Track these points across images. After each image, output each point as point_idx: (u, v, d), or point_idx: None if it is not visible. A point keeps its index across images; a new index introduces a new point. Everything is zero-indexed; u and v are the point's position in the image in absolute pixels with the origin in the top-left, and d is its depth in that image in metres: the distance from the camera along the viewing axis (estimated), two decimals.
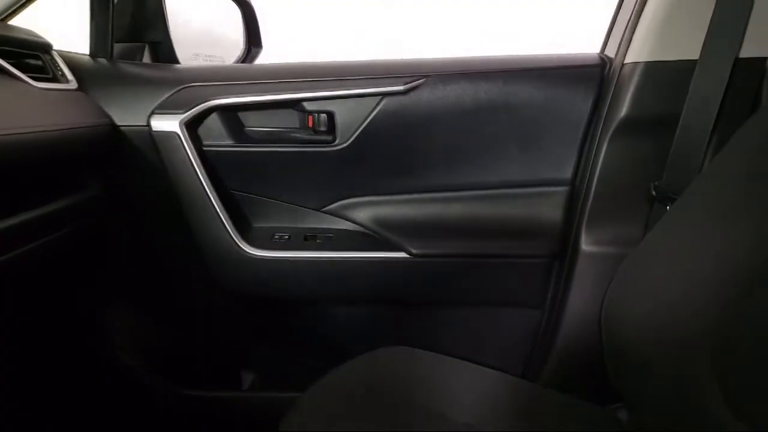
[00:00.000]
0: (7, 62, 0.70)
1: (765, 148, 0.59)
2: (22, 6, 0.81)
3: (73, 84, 0.81)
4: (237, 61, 1.12)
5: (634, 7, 0.89)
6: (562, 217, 0.89)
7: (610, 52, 0.92)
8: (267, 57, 1.14)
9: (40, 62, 0.77)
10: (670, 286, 0.60)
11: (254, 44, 1.13)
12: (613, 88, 0.86)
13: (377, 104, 0.86)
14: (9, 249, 0.63)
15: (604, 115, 0.87)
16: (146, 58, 0.97)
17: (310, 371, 0.74)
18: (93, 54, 0.90)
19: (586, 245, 0.86)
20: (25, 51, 0.75)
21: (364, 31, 2.16)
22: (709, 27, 0.79)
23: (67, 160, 0.74)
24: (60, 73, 0.80)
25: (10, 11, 0.81)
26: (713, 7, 0.79)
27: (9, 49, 0.72)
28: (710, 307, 0.53)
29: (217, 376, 1.03)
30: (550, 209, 0.89)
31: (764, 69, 0.78)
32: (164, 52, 0.97)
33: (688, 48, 0.81)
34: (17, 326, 0.86)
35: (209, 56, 1.08)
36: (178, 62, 0.97)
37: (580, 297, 0.86)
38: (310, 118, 0.87)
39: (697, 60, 0.79)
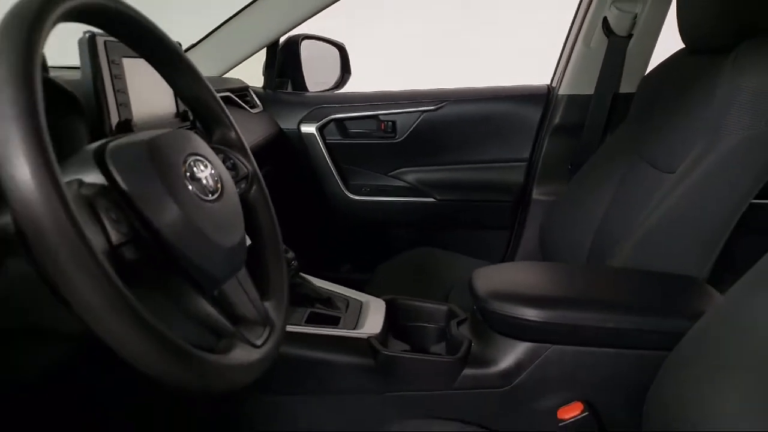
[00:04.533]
0: (238, 99, 1.44)
1: (619, 145, 1.24)
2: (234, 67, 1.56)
3: (260, 108, 1.55)
4: (336, 83, 1.82)
5: (564, 55, 1.55)
6: (522, 180, 1.58)
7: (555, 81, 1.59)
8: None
9: (248, 97, 1.51)
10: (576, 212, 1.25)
11: (346, 72, 1.84)
12: (552, 107, 1.54)
13: (419, 117, 1.57)
14: None
15: (546, 122, 1.55)
16: (289, 87, 1.70)
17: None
18: (265, 87, 1.64)
19: (535, 195, 1.55)
20: (240, 92, 1.50)
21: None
22: (600, 73, 1.45)
23: (267, 151, 1.48)
24: (255, 102, 1.54)
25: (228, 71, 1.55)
26: (602, 61, 1.45)
27: (233, 92, 1.46)
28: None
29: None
30: (515, 176, 1.58)
31: (631, 98, 1.42)
32: (299, 83, 1.70)
33: (589, 87, 1.47)
34: None
35: (322, 81, 1.80)
36: (307, 89, 1.70)
37: (532, 224, 1.56)
38: (383, 124, 1.59)
39: (591, 94, 1.46)
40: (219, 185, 0.54)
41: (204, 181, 0.53)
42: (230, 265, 0.55)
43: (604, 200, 1.18)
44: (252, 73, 1.64)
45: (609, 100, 1.45)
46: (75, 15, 0.46)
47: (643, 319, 0.81)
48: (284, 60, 1.67)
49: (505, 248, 1.62)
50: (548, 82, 1.60)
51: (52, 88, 0.69)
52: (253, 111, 1.48)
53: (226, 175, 0.57)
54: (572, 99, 1.50)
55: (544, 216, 1.46)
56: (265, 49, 1.56)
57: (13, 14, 0.41)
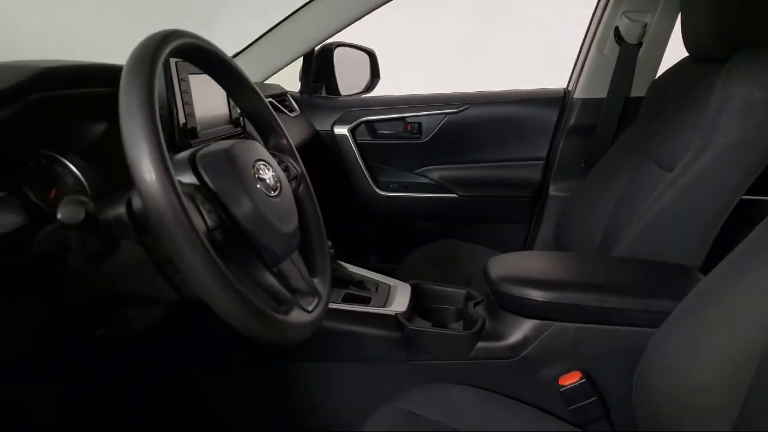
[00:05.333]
0: (279, 104, 1.59)
1: (629, 145, 1.35)
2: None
3: (297, 111, 1.70)
4: (366, 86, 1.96)
5: (579, 61, 1.66)
6: (540, 178, 1.70)
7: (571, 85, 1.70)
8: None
9: (287, 102, 1.66)
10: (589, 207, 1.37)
11: (375, 76, 1.97)
12: (567, 109, 1.65)
13: (444, 118, 1.70)
14: None
15: (562, 123, 1.66)
16: (323, 91, 1.85)
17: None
18: (301, 92, 1.79)
19: (551, 192, 1.67)
20: (280, 97, 1.65)
21: None
22: (612, 78, 1.56)
23: (305, 151, 1.63)
24: (293, 106, 1.69)
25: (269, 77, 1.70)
26: (614, 67, 1.55)
27: (274, 97, 1.61)
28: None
29: None
30: (532, 174, 1.70)
31: (641, 102, 1.52)
32: (332, 87, 1.84)
33: (601, 91, 1.58)
34: None
35: (353, 85, 1.93)
36: (340, 93, 1.84)
37: (549, 218, 1.67)
38: (409, 125, 1.72)
39: (603, 97, 1.57)
40: (278, 184, 0.69)
41: (268, 181, 0.67)
42: (288, 247, 0.69)
43: (614, 196, 1.29)
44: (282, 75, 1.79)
45: (620, 103, 1.55)
46: (179, 54, 0.61)
47: (634, 301, 0.92)
48: (319, 66, 1.82)
49: (523, 241, 1.74)
50: (564, 86, 1.71)
51: None
52: (292, 115, 1.63)
53: (283, 176, 0.72)
54: (586, 102, 1.61)
55: (559, 211, 1.57)
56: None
57: (136, 58, 0.56)
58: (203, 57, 0.68)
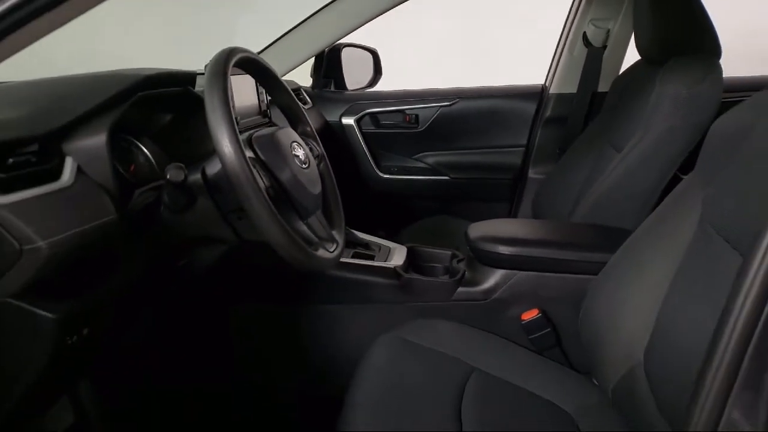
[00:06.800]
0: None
1: (594, 133, 1.60)
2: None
3: (310, 104, 1.95)
4: (369, 82, 2.21)
5: (554, 61, 1.91)
6: (520, 162, 1.95)
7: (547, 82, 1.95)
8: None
9: (301, 96, 1.92)
10: (561, 186, 1.64)
11: (378, 73, 2.22)
12: (544, 102, 1.90)
13: (438, 111, 1.95)
14: None
15: (540, 114, 1.91)
16: (332, 86, 2.10)
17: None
18: (313, 87, 2.04)
19: (530, 174, 1.92)
20: (295, 92, 1.89)
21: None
22: (581, 76, 1.81)
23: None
24: (307, 99, 1.94)
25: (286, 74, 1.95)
26: (582, 64, 1.80)
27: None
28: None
29: None
30: (514, 159, 1.95)
31: (605, 96, 1.75)
32: (340, 83, 2.09)
33: (573, 87, 1.83)
34: None
35: (358, 81, 2.18)
36: (346, 88, 2.09)
37: (527, 197, 1.93)
38: (408, 117, 1.98)
39: (574, 92, 1.82)
40: (308, 159, 0.95)
41: (300, 157, 0.93)
42: (315, 204, 0.95)
43: (581, 176, 1.54)
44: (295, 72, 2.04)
45: (588, 97, 1.80)
46: (238, 65, 0.87)
47: (580, 254, 1.18)
48: (328, 65, 2.07)
49: (506, 217, 2.00)
50: (543, 82, 1.96)
51: (197, 98, 1.10)
52: (306, 107, 1.88)
53: (310, 154, 0.98)
54: (560, 96, 1.86)
55: (537, 191, 1.83)
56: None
57: (213, 69, 0.81)
58: (254, 66, 0.94)
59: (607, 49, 1.77)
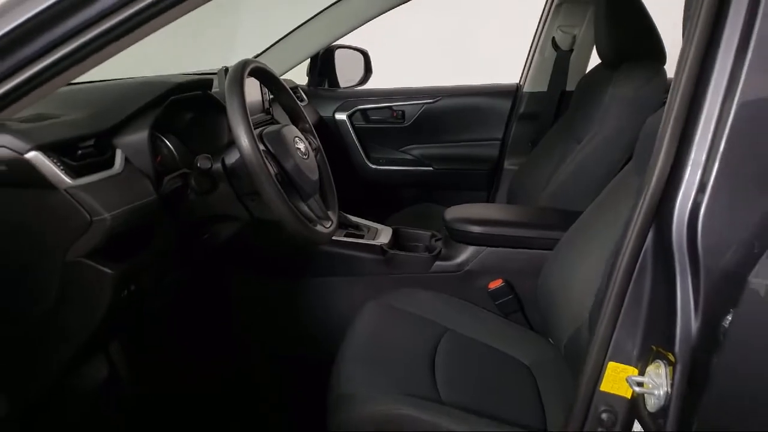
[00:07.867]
0: None
1: (562, 128, 1.80)
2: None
3: (306, 101, 2.13)
4: (360, 80, 2.39)
5: (528, 62, 2.11)
6: (497, 155, 2.15)
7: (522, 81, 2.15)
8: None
9: (298, 93, 2.10)
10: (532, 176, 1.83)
11: (368, 71, 2.41)
12: (519, 100, 2.11)
13: (422, 107, 2.15)
14: None
15: (515, 111, 2.11)
16: (326, 84, 2.28)
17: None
18: (309, 85, 2.23)
19: (506, 165, 2.13)
20: (292, 89, 2.08)
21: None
22: (551, 76, 2.01)
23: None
24: (303, 97, 2.13)
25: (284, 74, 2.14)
26: (552, 66, 2.00)
27: None
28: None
29: None
30: (491, 151, 2.15)
31: (571, 93, 1.95)
32: (333, 81, 2.28)
33: (544, 86, 2.03)
34: None
35: (350, 79, 2.37)
36: (339, 86, 2.28)
37: (503, 186, 2.13)
38: (395, 113, 2.17)
39: (545, 91, 2.02)
40: (307, 151, 1.14)
41: (302, 149, 1.12)
42: (314, 189, 1.15)
43: (550, 166, 1.75)
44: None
45: (557, 95, 2.01)
46: (251, 73, 1.06)
47: (538, 232, 1.39)
48: (323, 64, 2.26)
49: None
50: (517, 81, 2.16)
51: (213, 100, 1.30)
52: (302, 104, 2.07)
53: (309, 147, 1.17)
54: (533, 95, 2.06)
55: (511, 180, 2.03)
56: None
57: (231, 77, 1.01)
58: (264, 75, 1.14)
59: (573, 52, 1.97)
